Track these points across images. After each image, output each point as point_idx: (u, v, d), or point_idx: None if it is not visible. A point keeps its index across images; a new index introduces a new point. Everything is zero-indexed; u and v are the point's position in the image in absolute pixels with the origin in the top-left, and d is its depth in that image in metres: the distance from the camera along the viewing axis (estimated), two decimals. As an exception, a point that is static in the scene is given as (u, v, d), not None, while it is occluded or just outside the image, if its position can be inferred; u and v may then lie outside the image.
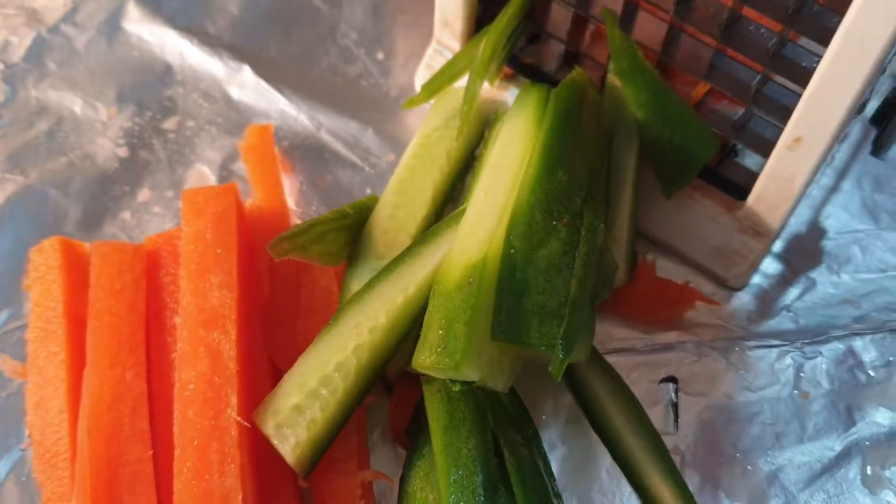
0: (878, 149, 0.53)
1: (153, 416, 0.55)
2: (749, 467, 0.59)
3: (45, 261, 0.61)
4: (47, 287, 0.60)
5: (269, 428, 0.52)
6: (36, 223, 0.66)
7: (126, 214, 0.67)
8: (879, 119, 0.52)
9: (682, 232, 0.62)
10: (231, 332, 0.54)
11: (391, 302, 0.53)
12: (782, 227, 0.60)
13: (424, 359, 0.48)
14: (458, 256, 0.50)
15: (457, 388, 0.49)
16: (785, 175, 0.55)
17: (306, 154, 0.69)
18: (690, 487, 0.55)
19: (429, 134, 0.63)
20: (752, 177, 0.58)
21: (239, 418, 0.52)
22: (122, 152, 0.69)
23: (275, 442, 0.52)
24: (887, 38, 0.43)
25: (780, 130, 0.53)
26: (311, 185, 0.68)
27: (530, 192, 0.49)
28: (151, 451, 0.54)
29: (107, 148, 0.69)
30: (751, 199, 0.58)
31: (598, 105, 0.56)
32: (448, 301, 0.49)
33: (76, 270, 0.60)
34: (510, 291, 0.48)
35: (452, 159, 0.62)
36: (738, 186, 0.60)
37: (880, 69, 0.45)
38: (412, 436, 0.55)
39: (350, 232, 0.60)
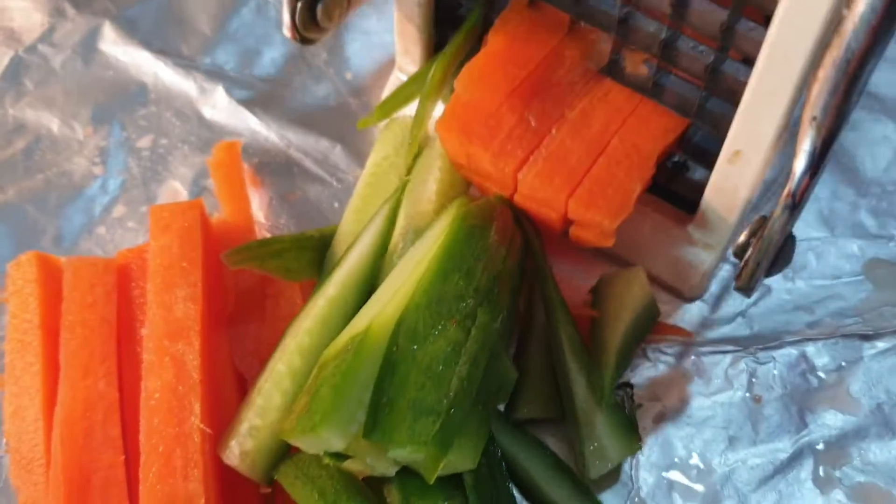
0: (741, 287, 0.51)
1: (125, 424, 0.58)
2: (703, 468, 0.60)
3: (21, 275, 0.63)
4: (24, 300, 0.62)
5: (226, 457, 0.55)
6: (14, 239, 0.69)
7: (101, 230, 0.69)
8: (741, 252, 0.51)
9: (636, 246, 0.64)
10: (195, 342, 0.57)
11: (316, 323, 0.57)
12: (731, 238, 0.62)
13: (287, 424, 0.49)
14: (347, 331, 0.52)
15: (327, 460, 0.48)
16: (728, 187, 0.57)
17: (276, 170, 0.72)
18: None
19: (378, 163, 0.66)
20: (702, 190, 0.60)
21: (202, 425, 0.54)
22: (98, 170, 0.72)
23: (229, 461, 0.54)
24: (808, 52, 0.45)
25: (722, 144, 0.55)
26: (280, 200, 0.71)
27: (423, 293, 0.50)
28: (123, 457, 0.56)
29: (83, 166, 0.72)
30: (699, 213, 0.60)
31: (511, 231, 0.58)
32: (323, 369, 0.49)
33: (51, 284, 0.63)
34: (388, 388, 0.47)
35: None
36: (690, 200, 0.62)
37: (804, 84, 0.47)
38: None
39: (314, 252, 0.63)
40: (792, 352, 0.64)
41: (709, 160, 0.57)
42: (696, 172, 0.63)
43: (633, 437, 0.58)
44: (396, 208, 0.61)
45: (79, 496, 0.55)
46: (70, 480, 0.55)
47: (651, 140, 0.57)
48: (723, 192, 0.57)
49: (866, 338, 0.65)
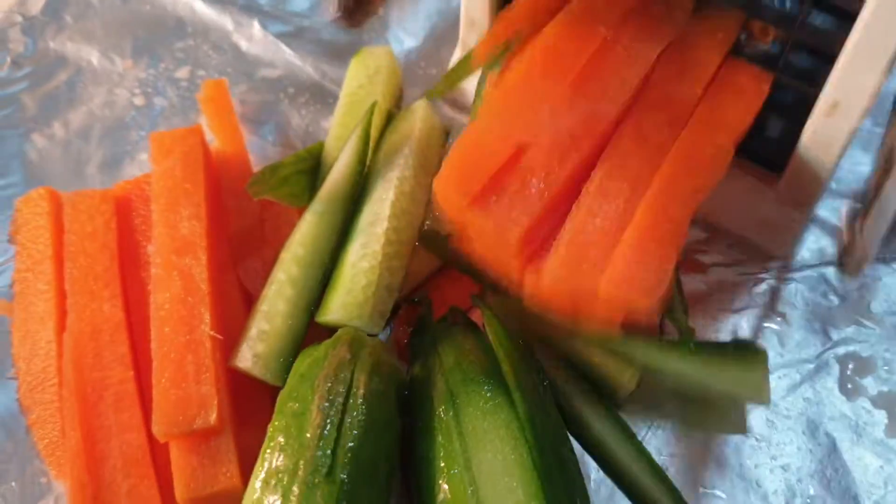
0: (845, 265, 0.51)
1: (133, 343, 0.59)
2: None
3: (32, 209, 0.65)
4: (35, 233, 0.64)
5: (238, 361, 0.56)
6: (61, 168, 0.71)
7: (143, 156, 0.71)
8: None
9: (724, 208, 0.62)
10: (202, 257, 0.58)
11: (307, 236, 0.59)
12: (822, 193, 0.62)
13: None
14: None
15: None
16: (823, 141, 0.56)
17: (311, 99, 0.74)
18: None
19: (354, 91, 0.69)
20: (787, 148, 0.59)
21: (212, 332, 0.55)
22: (139, 101, 0.74)
23: (242, 365, 0.56)
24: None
25: (813, 99, 0.55)
26: (316, 127, 0.73)
27: None
28: (133, 373, 0.57)
29: (124, 97, 0.74)
30: (789, 169, 0.58)
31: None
32: None
33: (59, 219, 0.64)
34: None
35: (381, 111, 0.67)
36: (774, 158, 0.60)
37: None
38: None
39: (308, 175, 0.66)
40: (812, 274, 0.66)
41: (799, 115, 0.57)
42: (774, 129, 0.62)
43: None
44: (368, 129, 0.63)
45: (93, 411, 0.56)
46: (83, 399, 0.56)
47: (680, 201, 0.54)
48: (817, 147, 0.57)
49: (884, 261, 0.66)
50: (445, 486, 0.52)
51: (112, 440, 0.55)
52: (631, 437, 0.58)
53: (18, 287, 0.63)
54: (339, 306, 0.56)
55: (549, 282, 0.54)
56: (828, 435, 0.60)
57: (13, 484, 0.58)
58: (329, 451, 0.49)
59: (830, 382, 0.62)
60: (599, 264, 0.53)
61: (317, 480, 0.48)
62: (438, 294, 0.64)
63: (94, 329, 0.59)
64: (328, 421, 0.51)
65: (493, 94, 0.59)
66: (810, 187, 0.60)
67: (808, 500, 0.58)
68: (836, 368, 0.62)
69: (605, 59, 0.58)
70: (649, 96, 0.58)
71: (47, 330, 0.60)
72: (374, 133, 0.64)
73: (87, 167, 0.71)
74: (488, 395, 0.54)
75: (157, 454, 0.56)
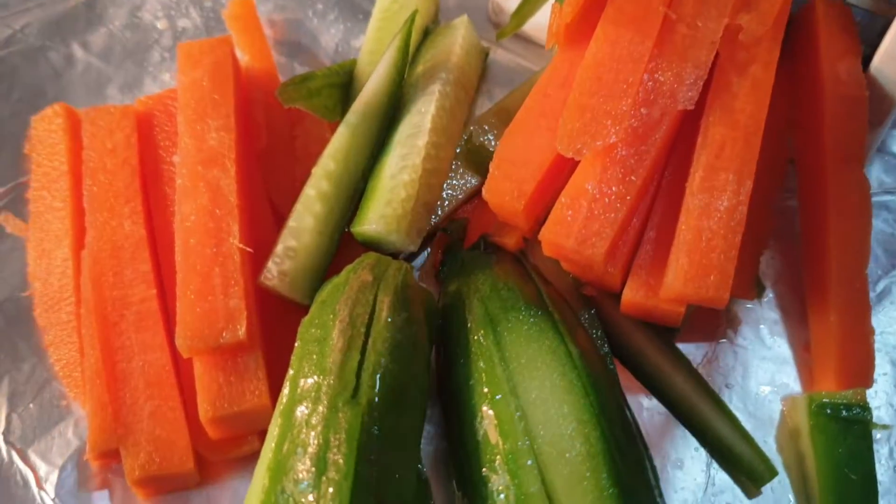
0: None
1: (155, 260, 0.55)
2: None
3: (47, 126, 0.61)
4: (51, 149, 0.60)
5: (264, 279, 0.53)
6: (82, 89, 0.67)
7: (167, 76, 0.68)
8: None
9: None
10: (230, 169, 0.54)
11: (339, 150, 0.56)
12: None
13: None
14: None
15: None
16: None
17: (340, 16, 0.70)
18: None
19: (388, 7, 0.65)
20: None
21: (241, 245, 0.52)
22: (161, 24, 0.71)
23: (269, 283, 0.52)
24: None
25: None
26: (346, 46, 0.69)
27: None
28: (155, 291, 0.54)
29: (146, 19, 0.71)
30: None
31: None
32: None
33: (77, 134, 0.60)
34: None
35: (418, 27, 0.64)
36: None
37: None
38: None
39: (341, 90, 0.62)
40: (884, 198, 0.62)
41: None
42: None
43: None
44: (407, 40, 0.59)
45: (113, 330, 0.53)
46: (103, 317, 0.53)
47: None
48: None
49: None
50: (490, 412, 0.49)
51: (134, 360, 0.52)
52: (687, 365, 0.55)
53: (34, 206, 0.59)
54: (378, 217, 0.53)
55: (671, 296, 0.51)
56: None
57: (31, 406, 0.54)
58: (353, 375, 0.46)
59: (895, 311, 0.58)
60: (726, 271, 0.50)
61: (341, 403, 0.45)
62: (475, 220, 0.60)
63: (115, 247, 0.55)
64: (350, 344, 0.47)
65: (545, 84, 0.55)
66: (885, 105, 0.58)
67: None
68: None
69: (671, 41, 0.54)
70: (724, 70, 0.54)
71: (63, 248, 0.57)
72: (410, 48, 0.61)
73: (107, 88, 0.67)
74: (531, 320, 0.51)
75: (183, 375, 0.52)
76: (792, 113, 0.60)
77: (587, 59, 0.53)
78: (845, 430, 0.52)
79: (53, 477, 0.53)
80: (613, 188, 0.51)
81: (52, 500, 0.52)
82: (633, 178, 0.51)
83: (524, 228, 0.55)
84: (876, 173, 0.63)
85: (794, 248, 0.60)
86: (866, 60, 0.58)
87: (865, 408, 0.52)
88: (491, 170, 0.53)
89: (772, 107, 0.54)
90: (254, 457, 0.48)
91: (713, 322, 0.58)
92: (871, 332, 0.54)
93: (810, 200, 0.58)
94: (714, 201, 0.51)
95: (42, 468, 0.53)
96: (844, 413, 0.52)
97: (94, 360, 0.52)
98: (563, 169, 0.54)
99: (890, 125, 0.61)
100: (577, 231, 0.50)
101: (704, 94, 0.53)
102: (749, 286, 0.56)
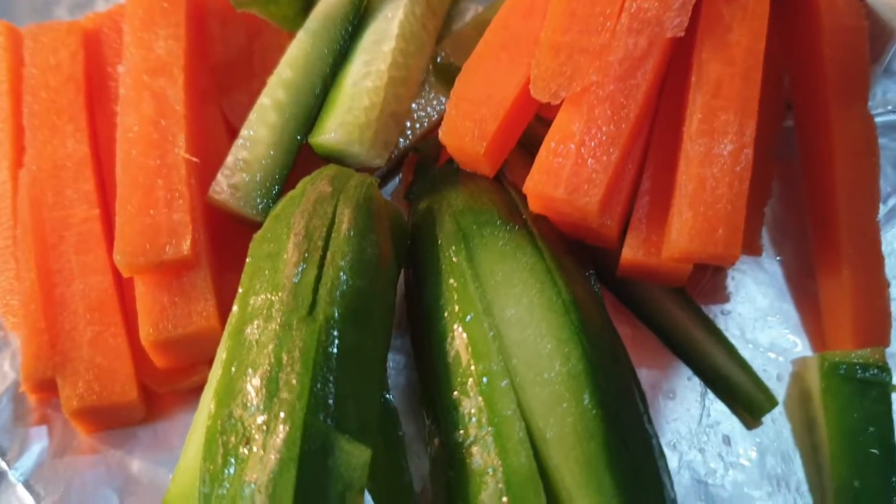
0: None
1: (100, 179, 0.51)
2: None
3: (-14, 45, 0.57)
4: (-11, 68, 0.56)
5: (213, 192, 0.48)
6: (26, 8, 0.64)
7: None
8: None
9: None
10: (178, 78, 0.50)
11: (297, 57, 0.52)
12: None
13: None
14: None
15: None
16: None
17: None
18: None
19: None
20: None
21: (188, 155, 0.47)
22: None
23: (218, 197, 0.48)
24: None
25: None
26: None
27: None
28: (98, 211, 0.49)
29: None
30: None
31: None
32: None
33: (17, 53, 0.56)
34: None
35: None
36: None
37: None
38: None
39: (303, -1, 0.57)
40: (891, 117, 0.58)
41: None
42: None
43: None
44: None
45: (52, 253, 0.49)
46: (41, 239, 0.49)
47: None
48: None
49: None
50: (461, 332, 0.44)
51: (74, 284, 0.48)
52: (678, 289, 0.51)
53: (-26, 126, 0.55)
54: (338, 125, 0.48)
55: (676, 255, 0.45)
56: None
57: (-38, 338, 0.50)
58: (309, 290, 0.41)
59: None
60: (736, 224, 0.44)
61: (295, 321, 0.40)
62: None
63: (56, 166, 0.51)
64: (307, 258, 0.42)
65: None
66: (882, 37, 0.53)
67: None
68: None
69: None
70: (712, 3, 0.49)
71: (1, 169, 0.52)
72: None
73: (55, 8, 0.63)
74: (507, 236, 0.46)
75: (128, 301, 0.48)
76: (786, 49, 0.55)
77: None
78: (861, 392, 0.47)
79: (-13, 412, 0.48)
80: (603, 128, 0.45)
81: (-14, 436, 0.48)
82: (623, 115, 0.45)
83: (487, 173, 0.50)
84: (881, 93, 0.59)
85: (796, 197, 0.55)
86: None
87: (885, 368, 0.47)
88: (448, 109, 0.48)
89: (767, 43, 0.49)
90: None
91: (712, 280, 0.53)
92: (887, 285, 0.49)
93: (812, 145, 0.53)
94: (715, 145, 0.45)
95: (-25, 403, 0.49)
96: (860, 374, 0.47)
97: (29, 284, 0.48)
98: (528, 106, 0.48)
99: (885, 64, 0.57)
100: (567, 179, 0.45)
101: (695, 28, 0.48)
102: (754, 240, 0.52)
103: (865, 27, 0.53)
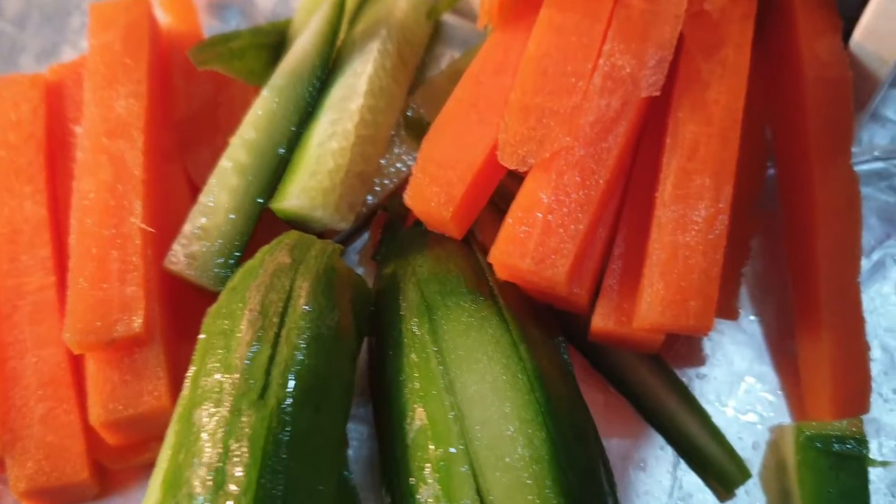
0: None
1: (58, 245, 0.50)
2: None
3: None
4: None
5: (168, 263, 0.47)
6: None
7: (86, 44, 0.61)
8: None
9: None
10: (137, 140, 0.48)
11: (261, 117, 0.50)
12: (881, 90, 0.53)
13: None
14: None
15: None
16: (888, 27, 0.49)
17: None
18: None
19: None
20: None
21: (144, 225, 0.46)
22: None
23: (174, 268, 0.47)
24: None
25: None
26: (285, 7, 0.63)
27: None
28: (54, 279, 0.48)
29: None
30: None
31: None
32: None
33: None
34: None
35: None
36: None
37: None
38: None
39: (271, 51, 0.56)
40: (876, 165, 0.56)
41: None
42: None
43: None
44: None
45: (5, 323, 0.47)
46: (-6, 309, 0.48)
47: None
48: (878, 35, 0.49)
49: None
50: (421, 410, 0.43)
51: (26, 356, 0.46)
52: (652, 354, 0.49)
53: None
54: (300, 190, 0.47)
55: (647, 326, 0.44)
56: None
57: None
58: (262, 372, 0.40)
59: (887, 287, 0.52)
60: (709, 295, 0.43)
61: (245, 405, 0.39)
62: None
63: (13, 229, 0.50)
64: (260, 337, 0.41)
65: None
66: (865, 87, 0.51)
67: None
68: (893, 271, 0.53)
69: (628, 18, 0.47)
70: (691, 54, 0.48)
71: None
72: (349, 3, 0.55)
73: (20, 56, 0.62)
74: (473, 307, 0.45)
75: (82, 375, 0.47)
76: (768, 102, 0.53)
77: (530, 50, 0.47)
78: (837, 466, 0.45)
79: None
80: (572, 195, 0.44)
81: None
82: (594, 182, 0.44)
83: (455, 237, 0.48)
84: (867, 138, 0.57)
85: (779, 251, 0.53)
86: (845, 37, 0.52)
87: (862, 441, 0.45)
88: (414, 172, 0.47)
89: (747, 96, 0.47)
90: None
91: (687, 343, 0.51)
92: (867, 348, 0.47)
93: (794, 201, 0.51)
94: (690, 211, 0.44)
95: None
96: (837, 447, 0.45)
97: (-20, 356, 0.46)
98: (498, 168, 0.47)
99: (872, 110, 0.55)
100: (534, 249, 0.43)
101: (671, 85, 0.47)
102: (730, 305, 0.50)
103: (850, 77, 0.51)
